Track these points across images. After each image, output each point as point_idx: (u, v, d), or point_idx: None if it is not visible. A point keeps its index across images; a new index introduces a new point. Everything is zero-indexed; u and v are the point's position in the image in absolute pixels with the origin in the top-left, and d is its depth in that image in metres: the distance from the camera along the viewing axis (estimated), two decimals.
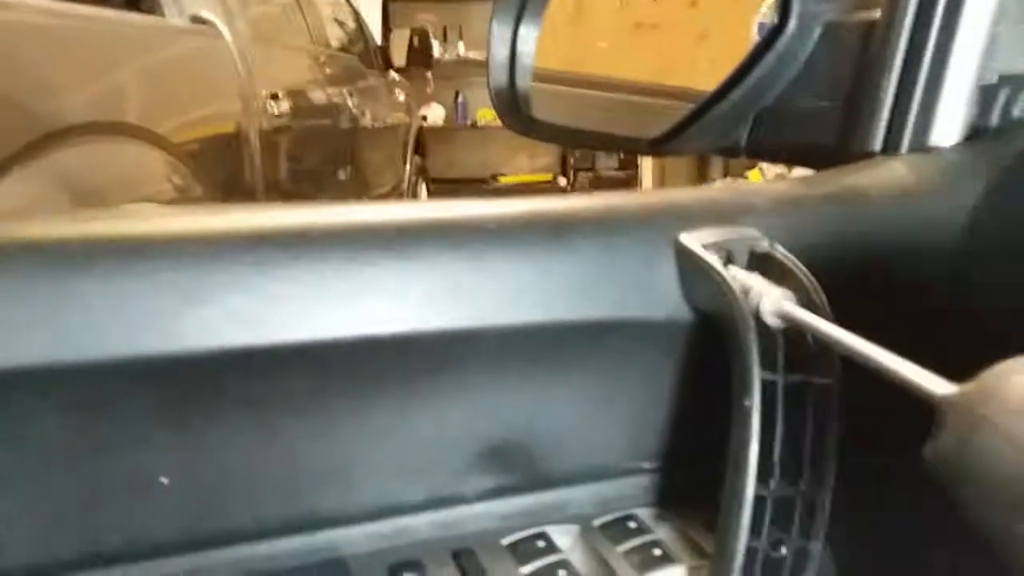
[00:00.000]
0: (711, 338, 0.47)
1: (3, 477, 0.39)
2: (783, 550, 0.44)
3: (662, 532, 0.50)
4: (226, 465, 0.43)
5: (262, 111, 2.41)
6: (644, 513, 0.52)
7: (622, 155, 4.98)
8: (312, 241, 0.41)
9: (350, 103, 3.28)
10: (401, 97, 4.23)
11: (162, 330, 0.37)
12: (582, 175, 6.03)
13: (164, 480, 0.41)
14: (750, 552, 0.43)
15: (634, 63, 1.02)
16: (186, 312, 0.38)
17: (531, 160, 5.46)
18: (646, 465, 0.53)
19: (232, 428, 0.42)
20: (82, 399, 0.39)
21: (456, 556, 0.47)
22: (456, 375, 0.46)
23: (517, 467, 0.49)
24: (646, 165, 4.28)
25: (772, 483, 0.43)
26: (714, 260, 0.45)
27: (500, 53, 0.86)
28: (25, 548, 0.40)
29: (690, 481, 0.53)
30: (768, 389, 0.42)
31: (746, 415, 0.42)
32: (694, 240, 0.46)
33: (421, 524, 0.48)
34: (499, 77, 0.86)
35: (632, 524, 0.51)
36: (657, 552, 0.48)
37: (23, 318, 0.36)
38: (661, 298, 0.47)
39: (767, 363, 0.43)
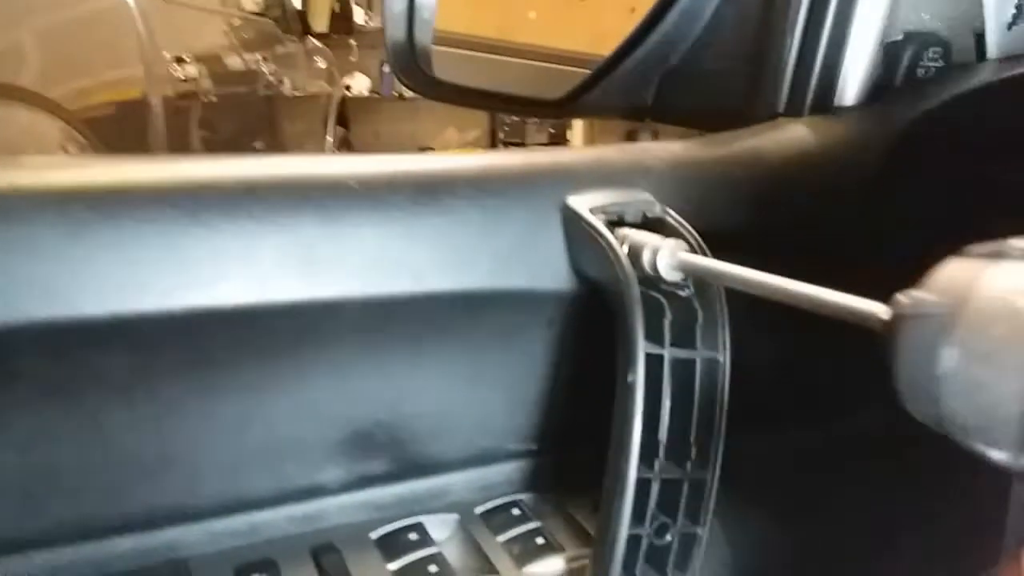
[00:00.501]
0: (599, 311, 0.43)
1: None
2: (668, 536, 0.40)
3: (547, 519, 0.47)
4: (37, 456, 0.37)
5: (167, 76, 2.27)
6: (530, 499, 0.48)
7: (551, 130, 4.94)
8: (130, 198, 0.35)
9: (265, 70, 3.14)
10: (322, 65, 4.08)
11: None
12: (512, 149, 6.00)
13: None
14: (633, 539, 0.39)
15: (565, 35, 0.98)
16: None
17: (460, 134, 5.37)
18: (531, 447, 0.49)
19: (41, 414, 0.36)
20: None
21: (315, 553, 0.42)
22: (313, 352, 0.41)
23: (387, 453, 0.45)
24: (576, 139, 4.25)
25: (657, 464, 0.40)
26: (601, 224, 0.41)
27: (397, 5, 0.80)
28: None
29: (578, 463, 0.50)
30: (653, 363, 0.39)
31: (630, 391, 0.38)
32: (582, 203, 0.42)
33: (276, 519, 0.43)
34: (396, 31, 0.80)
35: (516, 511, 0.47)
36: (539, 541, 0.44)
37: None
38: (545, 267, 0.43)
39: (653, 335, 0.39)
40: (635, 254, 0.39)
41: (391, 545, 0.43)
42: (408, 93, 5.16)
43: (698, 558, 0.41)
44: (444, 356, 0.44)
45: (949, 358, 0.24)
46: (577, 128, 4.17)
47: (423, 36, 0.85)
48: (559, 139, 5.11)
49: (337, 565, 0.41)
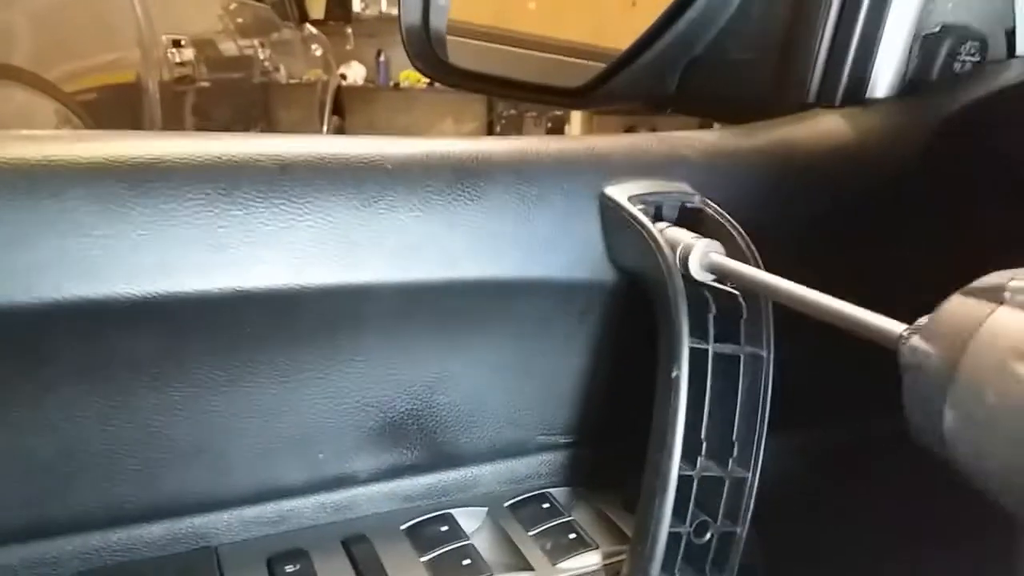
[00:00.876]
0: (635, 303, 0.43)
1: None
2: (708, 535, 0.40)
3: (578, 514, 0.46)
4: (69, 440, 0.35)
5: (163, 60, 2.24)
6: (560, 493, 0.47)
7: (548, 124, 4.92)
8: (166, 175, 0.34)
9: (262, 56, 3.11)
10: (318, 52, 4.04)
11: None
12: None
13: None
14: (672, 537, 0.39)
15: (564, 25, 0.97)
16: (3, 257, 0.31)
17: (456, 125, 5.34)
18: (562, 440, 0.48)
19: (73, 397, 0.35)
20: None
21: (346, 544, 0.41)
22: (346, 338, 0.40)
23: (418, 443, 0.44)
24: (575, 131, 4.24)
25: (699, 462, 0.39)
26: (641, 214, 0.40)
27: None
28: None
29: (610, 458, 0.49)
30: (697, 358, 0.38)
31: (673, 386, 0.37)
32: (621, 193, 0.41)
33: (306, 508, 0.42)
34: (411, 15, 0.79)
35: (546, 505, 0.46)
36: (572, 536, 0.44)
37: None
38: (582, 257, 0.42)
39: (697, 330, 0.39)
40: (675, 248, 0.39)
41: (422, 536, 0.42)
42: (404, 83, 5.13)
43: (736, 558, 0.40)
44: (476, 346, 0.43)
45: (950, 419, 0.24)
46: (575, 122, 4.16)
47: (438, 22, 0.83)
48: (557, 133, 5.09)
49: (369, 556, 0.40)
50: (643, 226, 0.39)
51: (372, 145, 0.39)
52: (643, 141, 0.46)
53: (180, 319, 0.35)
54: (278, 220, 0.35)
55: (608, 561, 0.42)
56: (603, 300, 0.44)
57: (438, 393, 0.43)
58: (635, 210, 0.40)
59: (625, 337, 0.46)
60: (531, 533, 0.44)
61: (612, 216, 0.41)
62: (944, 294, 0.27)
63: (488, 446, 0.46)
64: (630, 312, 0.44)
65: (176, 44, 2.30)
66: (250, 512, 0.41)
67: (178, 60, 2.31)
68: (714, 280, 0.38)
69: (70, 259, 0.32)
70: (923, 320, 0.26)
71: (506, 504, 0.46)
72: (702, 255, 0.38)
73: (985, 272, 0.28)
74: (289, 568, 0.39)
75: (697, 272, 0.38)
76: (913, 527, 0.54)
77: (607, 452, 0.49)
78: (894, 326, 0.28)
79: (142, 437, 0.37)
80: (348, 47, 4.87)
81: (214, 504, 0.40)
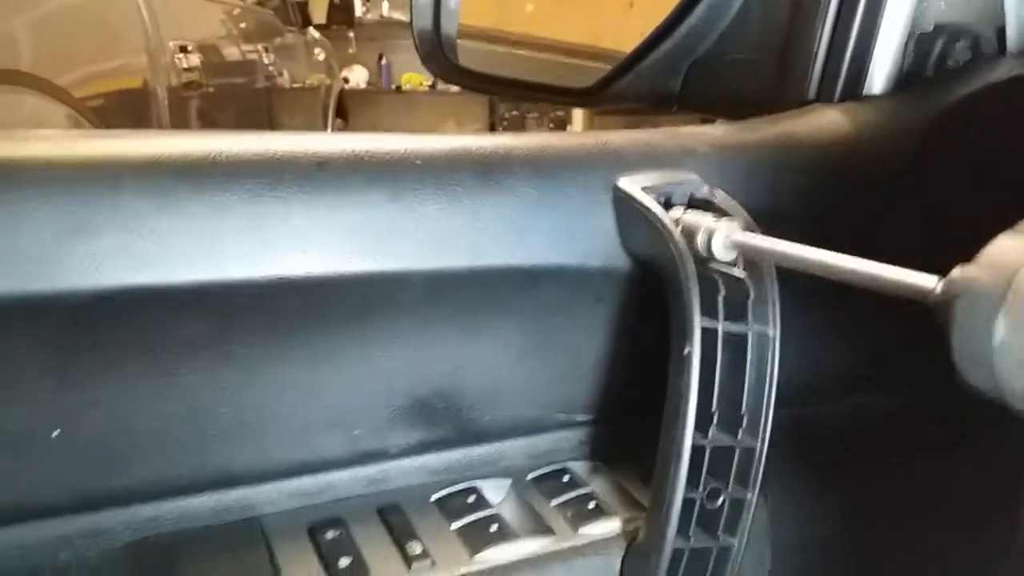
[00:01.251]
0: (648, 287, 0.45)
1: None
2: (720, 500, 0.43)
3: (596, 485, 0.49)
4: (123, 417, 0.38)
5: (170, 65, 2.28)
6: (578, 466, 0.50)
7: (551, 125, 4.96)
8: (215, 170, 0.37)
9: (266, 60, 3.14)
10: (321, 57, 4.08)
11: (36, 267, 0.33)
12: None
13: (54, 434, 0.37)
14: (687, 502, 0.42)
15: (562, 27, 1.00)
16: (66, 247, 0.33)
17: (459, 127, 5.38)
18: (580, 418, 0.51)
19: (128, 377, 0.38)
20: None
21: (381, 513, 0.44)
22: (379, 322, 0.43)
23: (446, 420, 0.47)
24: (577, 131, 4.28)
25: (711, 432, 0.42)
26: (653, 203, 0.43)
27: None
28: None
29: (626, 434, 0.52)
30: (708, 337, 0.41)
31: (686, 362, 0.40)
32: (633, 184, 0.44)
33: (343, 481, 0.45)
34: (423, 19, 0.82)
35: (566, 478, 0.49)
36: (591, 505, 0.47)
37: None
38: (597, 244, 0.45)
39: (707, 310, 0.41)
40: (688, 234, 0.41)
41: (451, 506, 0.45)
42: (406, 86, 5.16)
43: (746, 522, 0.43)
44: (499, 329, 0.46)
45: (1001, 330, 0.26)
46: (577, 123, 4.19)
47: (449, 26, 0.86)
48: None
49: (403, 524, 0.43)
50: (654, 214, 0.42)
51: (402, 142, 0.42)
52: (653, 136, 0.49)
53: (227, 305, 0.38)
54: (316, 212, 0.38)
55: (626, 527, 0.45)
56: (618, 285, 0.47)
57: (464, 374, 0.46)
58: (647, 199, 0.43)
59: (639, 320, 0.48)
60: (552, 503, 0.47)
61: (625, 206, 0.44)
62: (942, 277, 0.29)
63: (511, 423, 0.49)
64: (643, 297, 0.47)
65: (183, 50, 2.34)
66: (292, 484, 0.44)
67: (185, 66, 2.34)
68: (733, 260, 0.41)
69: (128, 248, 0.35)
70: (956, 270, 0.28)
71: (529, 477, 0.49)
72: (726, 234, 0.40)
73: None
74: (329, 535, 0.42)
75: (721, 251, 0.40)
76: (912, 496, 0.57)
77: (624, 428, 0.52)
78: (926, 279, 0.29)
79: (191, 414, 0.40)
80: (350, 51, 4.90)
81: (258, 477, 0.43)
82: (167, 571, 0.39)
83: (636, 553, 0.44)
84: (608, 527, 0.45)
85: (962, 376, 0.28)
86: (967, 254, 0.55)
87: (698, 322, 0.40)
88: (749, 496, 0.43)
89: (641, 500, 0.47)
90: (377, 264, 0.40)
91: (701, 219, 0.41)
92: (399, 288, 0.42)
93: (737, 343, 0.42)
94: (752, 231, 0.42)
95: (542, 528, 0.45)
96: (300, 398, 0.42)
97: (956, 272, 0.29)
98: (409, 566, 0.41)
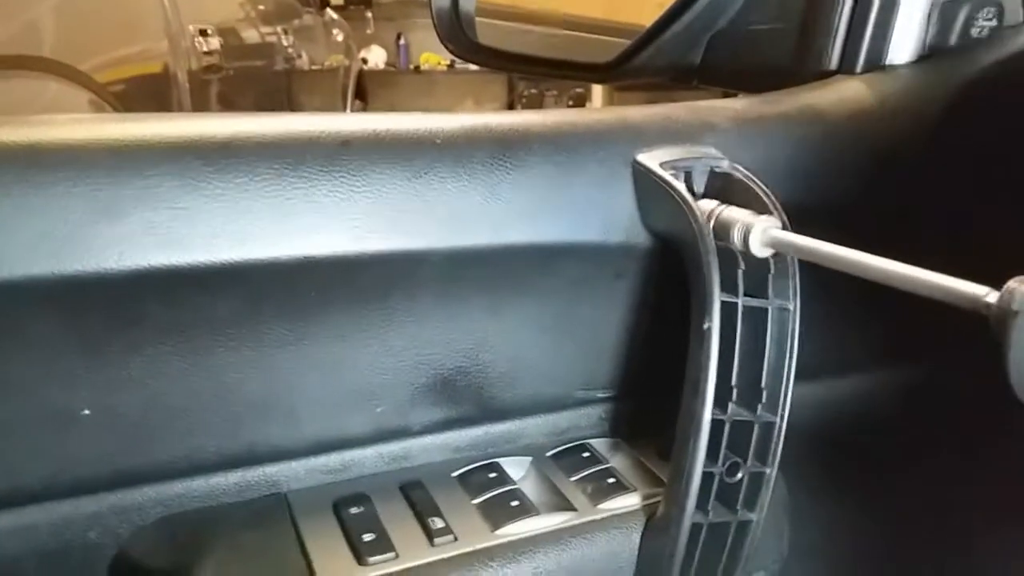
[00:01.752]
0: (668, 264, 0.45)
1: None
2: (739, 475, 0.43)
3: (616, 461, 0.49)
4: (152, 396, 0.39)
5: (190, 49, 2.29)
6: (598, 443, 0.51)
7: (569, 102, 4.92)
8: (239, 152, 0.37)
9: (284, 42, 3.14)
10: (340, 38, 4.07)
11: (68, 248, 0.33)
12: None
13: (85, 412, 0.38)
14: (706, 477, 0.42)
15: (580, 2, 0.99)
16: (95, 228, 0.34)
17: (477, 105, 5.35)
18: (601, 394, 0.51)
19: (157, 356, 0.38)
20: None
21: (404, 489, 0.45)
22: (400, 301, 0.43)
23: (467, 398, 0.47)
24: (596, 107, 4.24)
25: (730, 407, 0.42)
26: (673, 180, 0.43)
27: None
28: None
29: (645, 411, 0.52)
30: (727, 311, 0.41)
31: (705, 337, 0.40)
32: (652, 160, 0.44)
33: (366, 458, 0.46)
34: None
35: (585, 454, 0.49)
36: (611, 481, 0.47)
37: None
38: (617, 221, 0.44)
39: (727, 285, 0.41)
40: (723, 229, 0.41)
41: (472, 482, 0.46)
42: (424, 66, 5.14)
43: (766, 496, 0.44)
44: (519, 307, 0.47)
45: None
46: (596, 100, 4.15)
47: (467, 3, 0.86)
48: None
49: (426, 500, 0.44)
50: (675, 190, 0.42)
51: (423, 121, 0.43)
52: (672, 110, 0.49)
53: (253, 284, 0.39)
54: (339, 192, 0.39)
55: (646, 502, 0.46)
56: (637, 262, 0.47)
57: (484, 351, 0.47)
58: (667, 175, 0.43)
59: (658, 296, 0.48)
60: (572, 479, 0.47)
61: (645, 182, 0.44)
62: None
63: (531, 400, 0.49)
64: (662, 273, 0.47)
65: (203, 33, 2.34)
66: (316, 461, 0.45)
67: (205, 49, 2.35)
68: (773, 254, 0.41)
69: (155, 230, 0.35)
70: (1013, 282, 0.27)
71: (548, 454, 0.49)
72: (763, 231, 0.40)
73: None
74: (353, 510, 0.43)
75: (758, 249, 0.40)
76: (935, 472, 0.57)
77: (643, 405, 0.52)
78: (977, 289, 0.29)
79: (219, 392, 0.41)
80: (368, 31, 4.89)
81: (284, 454, 0.44)
82: (195, 546, 0.40)
83: (655, 527, 0.44)
84: (628, 502, 0.46)
85: (1016, 391, 0.27)
86: (991, 225, 0.55)
87: (717, 296, 0.40)
88: (768, 471, 0.43)
89: (661, 476, 0.48)
90: (398, 243, 0.40)
91: (737, 214, 0.41)
92: (419, 266, 0.42)
93: (757, 317, 0.42)
94: (771, 207, 0.41)
95: (563, 503, 0.45)
96: (324, 376, 0.43)
97: (1013, 284, 0.28)
98: (432, 541, 0.41)
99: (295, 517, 0.42)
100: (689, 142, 0.46)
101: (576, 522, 0.44)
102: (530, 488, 0.47)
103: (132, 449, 0.40)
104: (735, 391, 0.42)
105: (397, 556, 0.40)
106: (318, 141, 0.39)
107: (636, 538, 0.44)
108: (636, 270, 0.47)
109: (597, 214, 0.44)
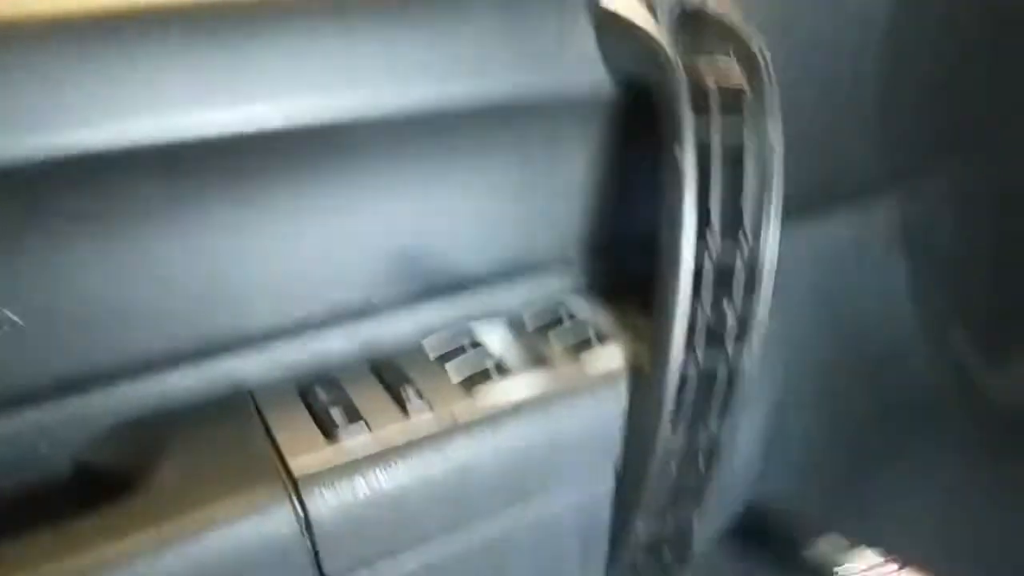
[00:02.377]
0: (639, 115, 0.41)
1: None
2: (727, 317, 0.40)
3: (597, 318, 0.47)
4: (85, 293, 0.35)
5: None
6: (577, 303, 0.48)
7: None
8: (149, 21, 0.32)
9: None
10: None
11: None
12: None
13: (12, 316, 0.35)
14: (691, 324, 0.39)
15: None
16: None
17: None
18: (576, 254, 0.48)
19: (83, 251, 0.35)
20: None
21: (374, 367, 0.42)
22: (344, 173, 0.39)
23: (433, 268, 0.44)
24: None
25: (712, 247, 0.39)
26: (639, 17, 0.38)
27: None
28: None
29: (625, 268, 0.49)
30: (702, 146, 0.37)
31: (676, 165, 0.37)
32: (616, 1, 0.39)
33: (332, 341, 0.43)
34: None
35: (563, 312, 0.47)
36: (591, 336, 0.44)
37: None
38: (578, 70, 0.40)
39: (699, 108, 0.37)
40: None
41: (445, 350, 0.43)
42: None
43: (758, 335, 0.41)
44: (480, 169, 0.43)
45: None
46: None
47: None
48: None
49: (397, 375, 0.41)
50: (640, 29, 0.38)
51: None
52: None
53: (177, 163, 0.35)
54: (261, 57, 0.34)
55: (630, 357, 0.43)
56: (604, 114, 0.43)
57: (447, 217, 0.43)
58: (632, 14, 0.38)
59: (630, 149, 0.45)
60: (550, 337, 0.45)
61: (608, 24, 0.39)
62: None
63: (504, 265, 0.46)
64: (636, 124, 0.43)
65: None
66: (278, 350, 0.41)
67: None
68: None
69: (60, 110, 0.31)
70: None
71: (524, 315, 0.47)
72: None
73: None
74: (322, 395, 0.40)
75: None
76: (926, 305, 0.54)
77: (623, 264, 0.49)
78: None
79: (156, 283, 0.37)
80: None
81: (242, 344, 0.41)
82: (158, 450, 0.38)
83: (642, 380, 0.42)
84: (610, 356, 0.43)
85: None
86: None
87: (689, 120, 0.37)
88: (758, 312, 0.40)
89: (645, 329, 0.45)
90: (332, 112, 0.36)
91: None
92: (364, 133, 0.38)
93: (735, 152, 0.38)
94: (752, 46, 0.37)
95: (541, 361, 0.43)
96: (274, 257, 0.39)
97: None
98: (406, 412, 0.39)
99: (260, 407, 0.40)
100: None
101: (557, 383, 0.42)
102: (505, 350, 0.44)
103: (71, 352, 0.37)
104: (717, 230, 0.39)
105: (369, 429, 0.38)
106: (234, 4, 0.34)
107: (622, 393, 0.42)
108: (604, 123, 0.43)
109: (555, 65, 0.40)
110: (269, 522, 0.34)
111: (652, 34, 0.38)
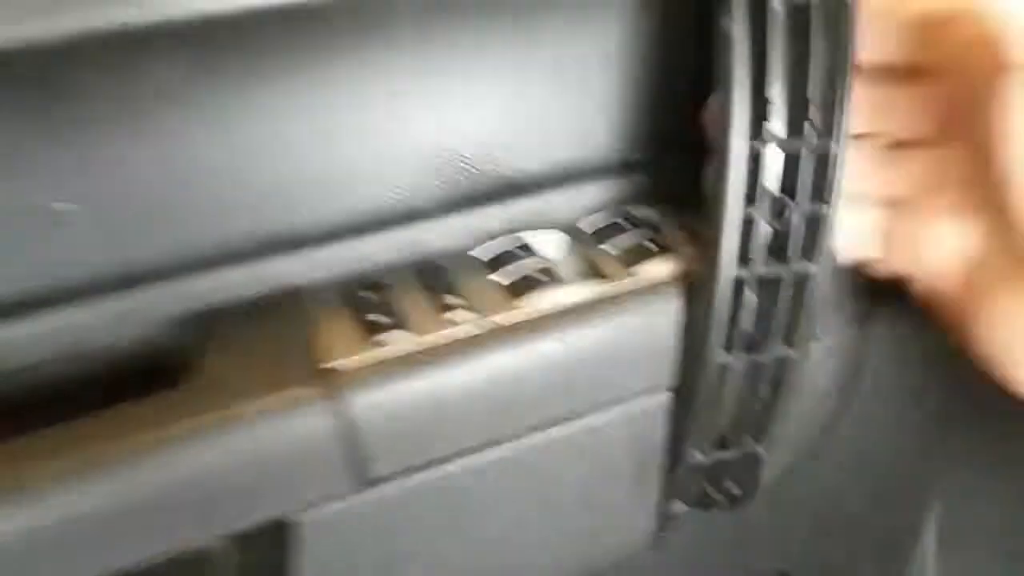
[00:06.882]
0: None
1: None
2: (789, 217, 0.37)
3: (654, 227, 0.44)
4: (135, 184, 0.36)
5: None
6: (636, 210, 0.45)
7: None
8: None
9: None
10: None
11: None
12: None
13: (62, 207, 0.35)
14: (746, 223, 0.36)
15: None
16: None
17: None
18: (634, 157, 0.45)
19: (125, 137, 0.35)
20: None
21: (420, 272, 0.42)
22: (395, 58, 0.38)
23: (482, 172, 0.43)
24: None
25: (769, 135, 0.35)
26: None
27: None
28: None
29: (687, 170, 0.46)
30: (757, 13, 0.33)
31: (727, 41, 0.33)
32: None
33: (379, 244, 0.42)
34: None
35: (621, 220, 0.44)
36: (648, 245, 0.42)
37: None
38: None
39: None
40: None
41: (494, 258, 0.42)
42: None
43: (826, 242, 0.38)
44: (527, 62, 0.41)
45: None
46: None
47: None
48: None
49: (442, 279, 0.41)
50: None
51: None
52: None
53: (208, 44, 0.34)
54: None
55: (688, 265, 0.41)
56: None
57: (496, 116, 0.41)
58: None
59: (690, 36, 0.41)
60: (604, 246, 0.43)
61: None
62: None
63: (556, 170, 0.44)
64: (682, 12, 0.40)
65: None
66: (325, 251, 0.41)
67: None
68: None
69: None
70: None
71: (579, 224, 0.45)
72: None
73: None
74: (364, 294, 0.40)
75: None
76: None
77: (685, 164, 0.46)
78: None
79: (205, 177, 0.38)
80: None
81: (289, 244, 0.41)
82: (207, 342, 0.38)
83: (695, 288, 0.39)
84: (667, 266, 0.41)
85: None
86: None
87: None
88: (827, 210, 0.37)
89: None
90: None
91: None
92: (395, 14, 0.36)
93: (798, 18, 0.34)
94: None
95: (593, 271, 0.41)
96: (318, 154, 0.39)
97: None
98: (450, 317, 0.38)
99: (303, 306, 0.40)
100: None
101: (608, 291, 0.40)
102: (559, 258, 0.43)
103: (123, 247, 0.38)
104: (779, 113, 0.35)
105: (411, 332, 0.37)
106: None
107: (676, 304, 0.40)
108: (659, 9, 0.40)
109: None
110: (310, 416, 0.34)
111: None
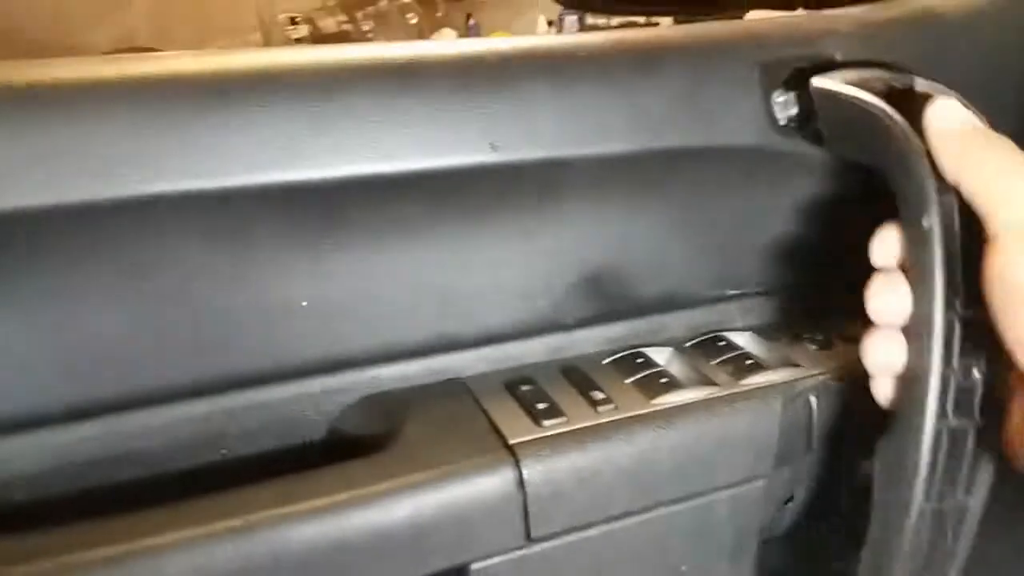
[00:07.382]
0: (799, 166, 0.49)
1: (143, 301, 0.41)
2: (975, 376, 0.39)
3: (751, 348, 0.53)
4: (355, 291, 0.45)
5: (284, 39, 2.39)
6: (732, 335, 0.55)
7: None
8: (421, 72, 0.42)
9: (365, 28, 3.23)
10: (413, 21, 4.15)
11: (285, 158, 0.39)
12: None
13: (303, 304, 0.44)
14: (944, 380, 0.39)
15: None
16: (307, 140, 0.39)
17: None
18: (736, 291, 0.55)
19: (359, 254, 0.45)
20: (219, 226, 0.41)
21: (564, 372, 0.51)
22: (551, 205, 0.48)
23: (613, 294, 0.52)
24: None
25: (958, 308, 0.39)
26: (872, 99, 0.43)
27: None
28: (172, 369, 0.44)
29: (776, 306, 0.56)
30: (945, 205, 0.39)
31: (927, 236, 0.38)
32: (833, 81, 0.45)
33: (530, 348, 0.52)
34: None
35: (722, 343, 0.54)
36: (749, 362, 0.51)
37: (157, 147, 0.37)
38: (747, 124, 0.48)
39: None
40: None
41: (623, 366, 0.51)
42: None
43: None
44: (657, 208, 0.51)
45: None
46: None
47: None
48: None
49: (585, 379, 0.49)
50: (874, 106, 0.42)
51: (566, 40, 0.47)
52: (793, 18, 0.52)
53: (435, 189, 0.43)
54: (500, 106, 0.43)
55: (785, 379, 0.50)
56: (768, 164, 0.51)
57: (627, 251, 0.51)
58: (865, 95, 0.43)
59: (788, 198, 0.52)
60: (713, 363, 0.52)
61: (828, 103, 0.45)
62: None
63: (670, 296, 0.54)
64: (792, 174, 0.50)
65: (292, 21, 2.44)
66: (487, 351, 0.51)
67: (295, 36, 2.45)
68: None
69: (355, 141, 0.40)
70: None
71: (687, 344, 0.54)
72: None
73: None
74: (523, 388, 0.48)
75: None
76: None
77: (773, 300, 0.56)
78: None
79: (408, 287, 0.47)
80: (438, 14, 4.95)
81: (461, 344, 0.50)
82: (394, 419, 0.46)
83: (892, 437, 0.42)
84: (768, 378, 0.50)
85: None
86: None
87: (934, 187, 0.39)
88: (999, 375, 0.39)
89: (796, 359, 0.52)
90: (549, 151, 0.45)
91: None
92: (567, 172, 0.47)
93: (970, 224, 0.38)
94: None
95: (707, 381, 0.50)
96: (491, 273, 0.48)
97: None
98: (596, 408, 0.47)
99: (474, 394, 0.48)
100: (812, 47, 0.49)
101: (722, 394, 0.49)
102: (674, 370, 0.52)
103: (339, 338, 0.47)
104: (960, 291, 0.39)
105: (568, 419, 0.46)
106: (484, 60, 0.44)
107: (777, 408, 0.49)
108: (767, 172, 0.51)
109: (728, 118, 0.48)
110: (495, 479, 0.42)
111: (886, 110, 0.42)
